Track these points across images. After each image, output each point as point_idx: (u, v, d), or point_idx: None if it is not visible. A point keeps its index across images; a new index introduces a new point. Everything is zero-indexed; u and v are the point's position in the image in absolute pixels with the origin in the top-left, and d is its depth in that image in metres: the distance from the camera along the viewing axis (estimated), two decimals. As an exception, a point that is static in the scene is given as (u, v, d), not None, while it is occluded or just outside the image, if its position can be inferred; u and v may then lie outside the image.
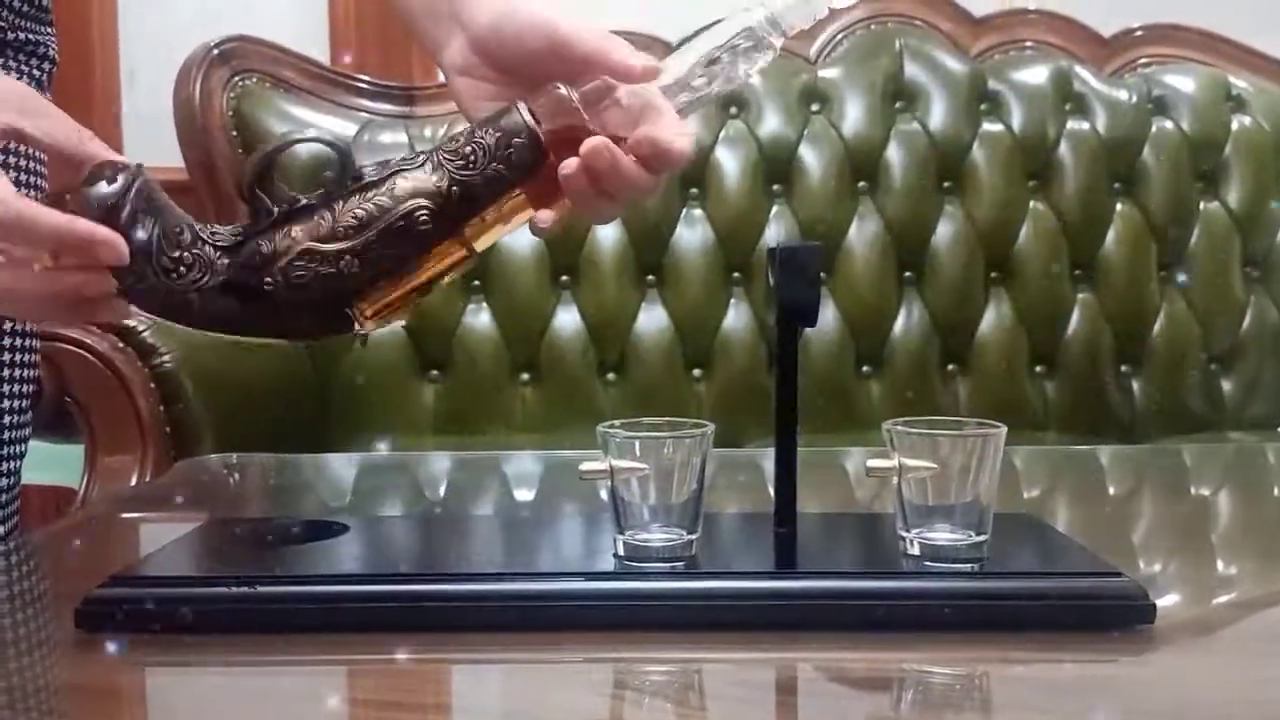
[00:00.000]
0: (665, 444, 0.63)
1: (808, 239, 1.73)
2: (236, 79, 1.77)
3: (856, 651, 0.58)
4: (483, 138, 0.60)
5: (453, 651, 0.59)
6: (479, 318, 1.78)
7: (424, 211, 0.59)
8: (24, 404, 0.89)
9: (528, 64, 0.64)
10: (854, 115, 1.82)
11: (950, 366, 1.82)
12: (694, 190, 1.80)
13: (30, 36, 0.86)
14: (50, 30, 0.88)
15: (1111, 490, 1.06)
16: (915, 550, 0.63)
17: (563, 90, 0.61)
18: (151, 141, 1.89)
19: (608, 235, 1.78)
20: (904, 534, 0.64)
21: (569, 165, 0.60)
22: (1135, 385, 1.83)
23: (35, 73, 0.87)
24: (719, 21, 0.64)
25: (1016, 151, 1.83)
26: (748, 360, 1.77)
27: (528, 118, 0.60)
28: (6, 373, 0.87)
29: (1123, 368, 1.83)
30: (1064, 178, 1.83)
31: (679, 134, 0.61)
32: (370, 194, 0.59)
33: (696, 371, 1.79)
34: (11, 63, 0.84)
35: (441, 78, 0.72)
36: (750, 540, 0.71)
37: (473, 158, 0.60)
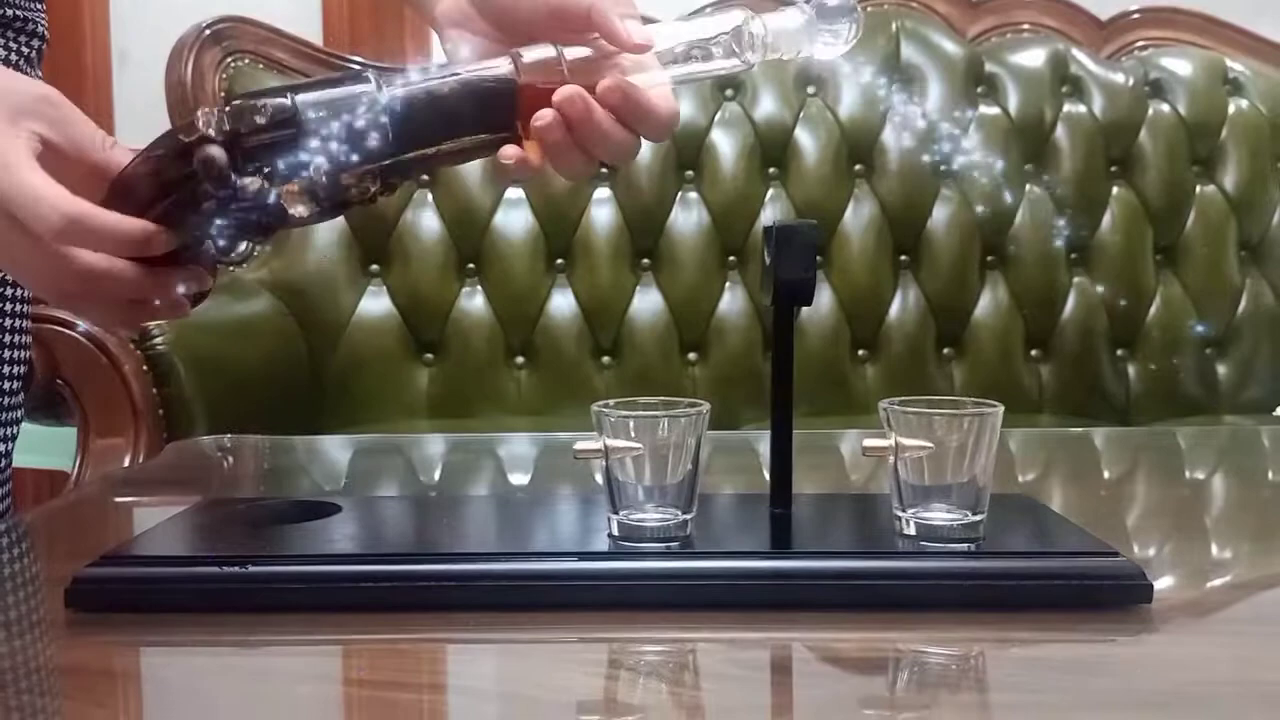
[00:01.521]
0: (660, 423, 0.62)
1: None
2: (229, 60, 1.76)
3: (852, 631, 0.58)
4: (458, 70, 0.60)
5: (447, 631, 0.59)
6: (473, 301, 1.77)
7: (369, 81, 0.58)
8: (15, 385, 0.89)
9: (526, 19, 0.63)
10: (850, 98, 1.82)
11: (946, 350, 1.82)
12: (689, 173, 1.80)
13: (20, 13, 0.85)
14: (40, 6, 0.87)
15: (1107, 473, 1.06)
16: (911, 530, 0.63)
17: (552, 50, 0.60)
18: (143, 122, 1.88)
19: (602, 218, 1.78)
20: (900, 514, 0.64)
21: (543, 116, 0.60)
22: (1130, 368, 1.83)
23: (25, 49, 0.86)
24: (717, 14, 0.65)
25: (1013, 135, 1.82)
26: (743, 344, 1.77)
27: (507, 66, 0.60)
28: None
29: (1118, 351, 1.83)
30: (1060, 161, 1.83)
31: (659, 94, 0.60)
32: None
33: (692, 355, 1.79)
34: (0, 39, 0.84)
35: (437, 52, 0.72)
36: (745, 520, 0.70)
37: (438, 79, 0.59)
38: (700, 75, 0.64)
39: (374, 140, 0.58)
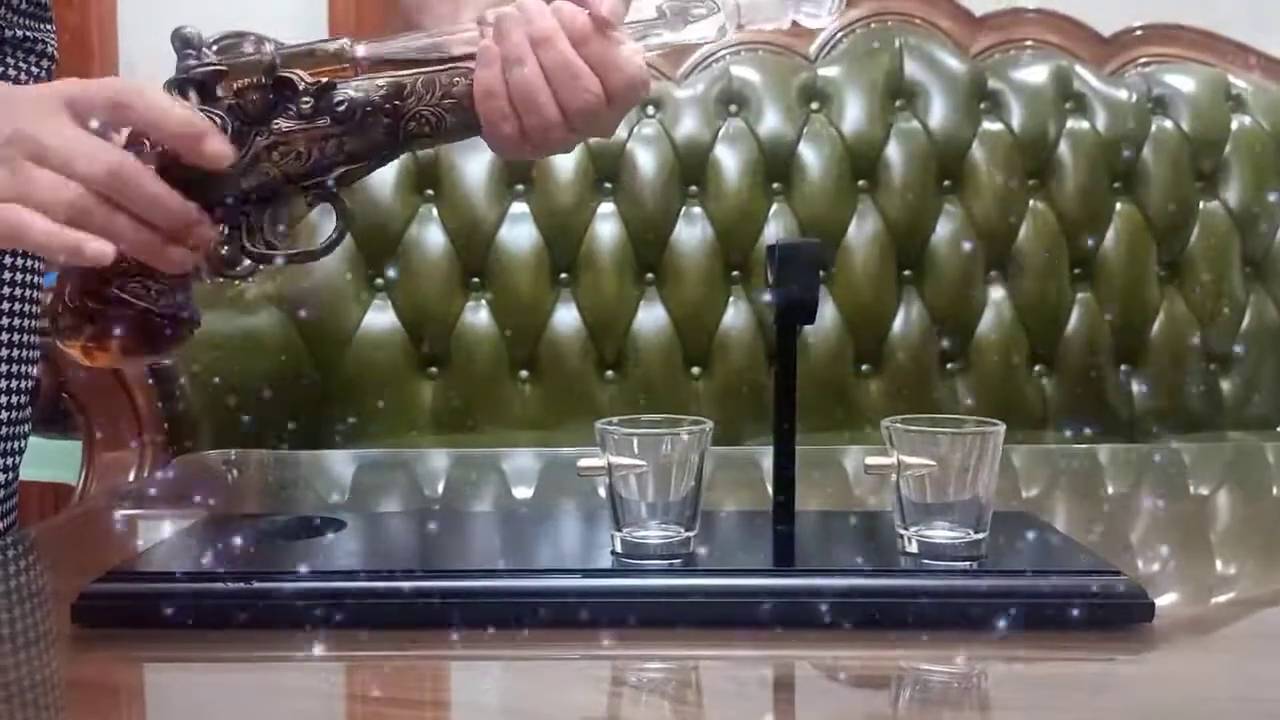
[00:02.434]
0: (664, 441, 0.63)
1: (807, 237, 1.73)
2: (236, 75, 1.76)
3: (854, 649, 0.58)
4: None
5: (450, 648, 0.59)
6: (478, 315, 1.78)
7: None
8: (23, 399, 0.89)
9: None
10: (854, 114, 1.82)
11: (950, 365, 1.82)
12: (693, 188, 1.80)
13: (30, 34, 0.85)
14: (50, 27, 0.88)
15: (1110, 489, 1.06)
16: (914, 548, 0.63)
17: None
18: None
19: (607, 233, 1.78)
20: (902, 531, 0.64)
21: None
22: (1134, 384, 1.83)
23: (34, 69, 0.86)
24: None
25: (1016, 150, 1.82)
26: (747, 359, 1.77)
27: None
28: (5, 368, 0.86)
29: (1122, 367, 1.83)
30: (1064, 177, 1.83)
31: (627, 55, 0.62)
32: None
33: (695, 370, 1.79)
34: (10, 59, 0.84)
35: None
36: (748, 537, 0.71)
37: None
38: (674, 44, 0.65)
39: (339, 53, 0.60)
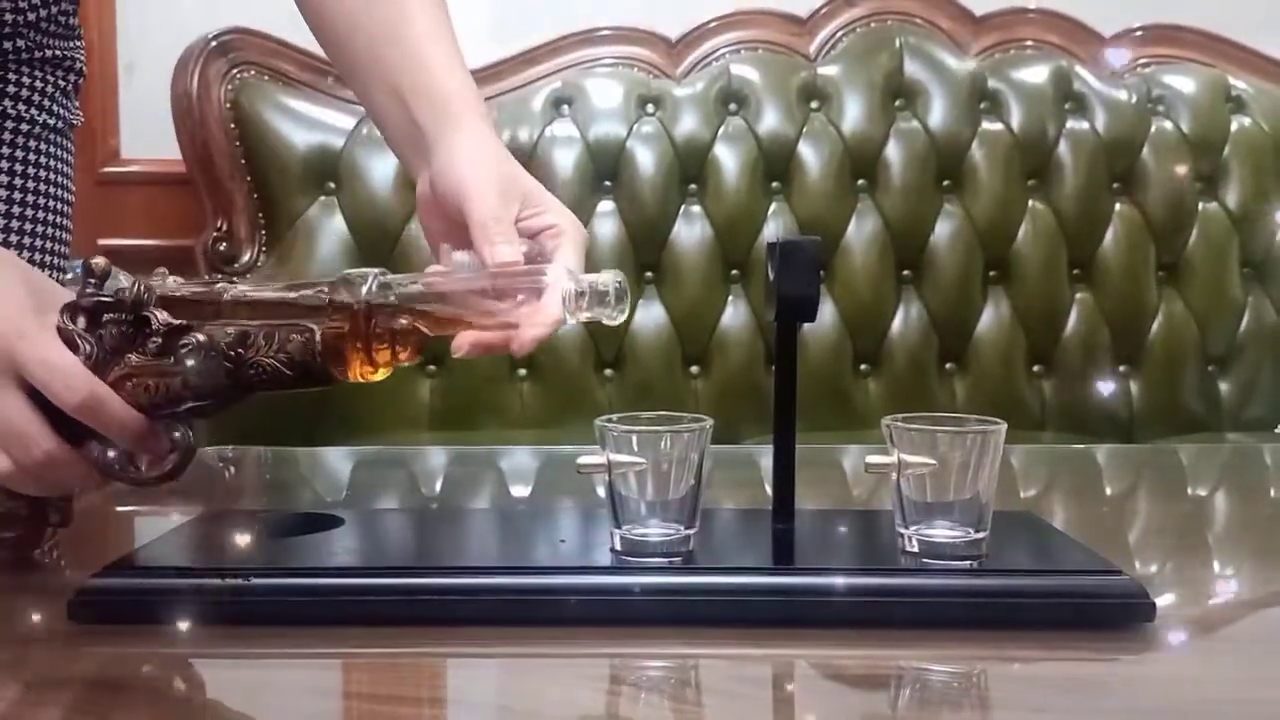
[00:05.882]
0: (663, 438, 0.62)
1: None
2: (234, 71, 1.76)
3: (854, 648, 0.58)
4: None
5: (448, 645, 0.59)
6: (476, 313, 1.77)
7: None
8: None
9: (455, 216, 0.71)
10: (853, 113, 1.82)
11: (948, 365, 1.82)
12: (693, 187, 1.80)
13: (59, 52, 0.91)
14: (79, 44, 0.93)
15: (1109, 490, 1.06)
16: (914, 547, 0.63)
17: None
18: (149, 135, 1.88)
19: (605, 231, 1.78)
20: (902, 530, 0.64)
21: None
22: (1133, 386, 1.83)
23: (62, 83, 0.91)
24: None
25: (1016, 151, 1.83)
26: (746, 358, 1.77)
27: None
28: None
29: (1120, 368, 1.83)
30: (1063, 177, 1.83)
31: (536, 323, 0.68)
32: None
33: (694, 369, 1.79)
34: (38, 72, 0.89)
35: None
36: (748, 536, 0.70)
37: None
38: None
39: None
